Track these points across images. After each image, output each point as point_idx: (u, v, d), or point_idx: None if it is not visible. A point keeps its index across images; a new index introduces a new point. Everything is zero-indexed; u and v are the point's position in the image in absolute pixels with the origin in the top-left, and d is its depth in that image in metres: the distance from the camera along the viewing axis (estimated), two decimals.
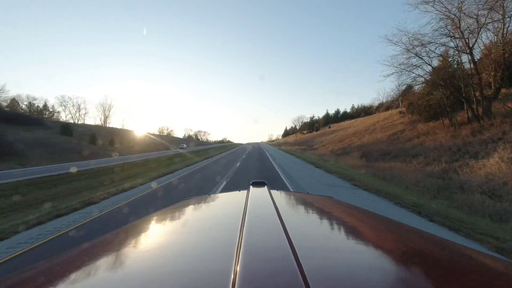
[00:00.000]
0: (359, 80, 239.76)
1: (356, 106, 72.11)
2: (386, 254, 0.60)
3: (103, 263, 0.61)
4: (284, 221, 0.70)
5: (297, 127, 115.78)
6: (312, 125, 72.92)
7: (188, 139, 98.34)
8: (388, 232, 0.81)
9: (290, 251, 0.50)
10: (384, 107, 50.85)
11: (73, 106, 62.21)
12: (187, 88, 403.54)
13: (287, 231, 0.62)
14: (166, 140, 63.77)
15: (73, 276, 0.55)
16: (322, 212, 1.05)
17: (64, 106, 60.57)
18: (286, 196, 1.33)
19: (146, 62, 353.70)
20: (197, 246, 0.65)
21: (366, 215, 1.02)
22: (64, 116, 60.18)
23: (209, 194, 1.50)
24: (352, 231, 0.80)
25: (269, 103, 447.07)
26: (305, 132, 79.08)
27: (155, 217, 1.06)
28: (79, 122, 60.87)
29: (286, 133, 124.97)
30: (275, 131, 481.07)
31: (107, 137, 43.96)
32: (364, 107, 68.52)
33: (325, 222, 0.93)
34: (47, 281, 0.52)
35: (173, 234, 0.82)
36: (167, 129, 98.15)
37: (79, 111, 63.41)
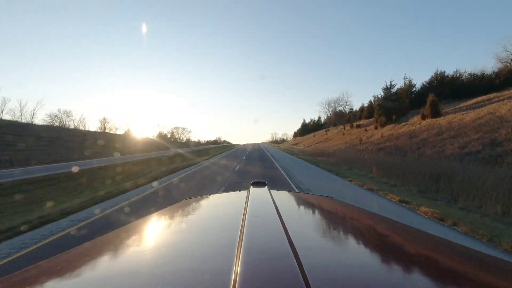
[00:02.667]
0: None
1: (447, 72, 30.08)
2: (386, 254, 0.60)
3: (104, 262, 0.62)
4: (285, 221, 0.70)
5: (322, 119, 74.08)
6: (388, 112, 29.39)
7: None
8: (387, 232, 0.80)
9: (291, 251, 0.50)
10: None
11: None
12: (168, 84, 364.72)
13: (287, 231, 0.62)
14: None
15: (73, 275, 0.55)
16: (322, 212, 1.05)
17: None
18: (286, 196, 1.33)
19: (126, 57, 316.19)
20: (198, 246, 0.65)
21: (365, 215, 1.01)
22: None
23: (210, 195, 1.46)
24: (352, 231, 0.80)
25: (271, 100, 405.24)
26: (358, 124, 37.02)
27: (155, 217, 1.04)
28: None
29: (306, 129, 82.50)
30: (279, 130, 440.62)
31: None
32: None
33: (325, 222, 0.93)
34: (48, 281, 0.51)
35: (174, 234, 0.81)
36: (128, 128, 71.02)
37: None
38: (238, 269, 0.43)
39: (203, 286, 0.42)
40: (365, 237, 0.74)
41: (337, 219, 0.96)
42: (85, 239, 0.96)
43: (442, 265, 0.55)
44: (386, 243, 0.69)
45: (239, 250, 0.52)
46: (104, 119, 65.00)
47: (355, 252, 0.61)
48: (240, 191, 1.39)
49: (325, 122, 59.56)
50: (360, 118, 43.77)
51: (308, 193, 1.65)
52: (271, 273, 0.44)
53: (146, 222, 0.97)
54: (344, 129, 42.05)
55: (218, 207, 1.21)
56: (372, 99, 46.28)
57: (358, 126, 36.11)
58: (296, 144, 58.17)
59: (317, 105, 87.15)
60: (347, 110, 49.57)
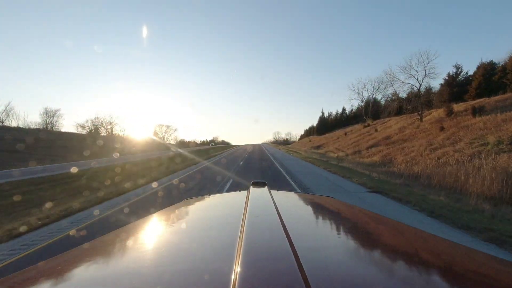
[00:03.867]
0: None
1: None
2: (386, 254, 0.60)
3: (104, 263, 0.62)
4: (284, 221, 0.70)
5: (344, 110, 55.45)
6: None
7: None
8: (387, 232, 0.81)
9: (291, 251, 0.50)
10: None
11: None
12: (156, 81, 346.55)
13: (287, 231, 0.62)
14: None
15: (73, 276, 0.55)
16: (322, 212, 1.05)
17: None
18: (286, 196, 1.32)
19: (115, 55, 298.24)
20: (198, 246, 0.65)
21: (366, 215, 1.01)
22: None
23: (210, 195, 1.46)
24: (352, 231, 0.80)
25: (273, 99, 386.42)
26: (473, 105, 18.13)
27: (155, 217, 1.04)
28: None
29: (325, 125, 63.36)
30: (282, 129, 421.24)
31: None
32: None
33: (325, 222, 0.93)
34: (47, 281, 0.51)
35: (174, 234, 0.81)
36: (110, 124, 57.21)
37: None
38: (238, 269, 0.43)
39: (203, 286, 0.42)
40: (365, 237, 0.74)
41: (337, 219, 0.95)
42: None
43: (442, 265, 0.55)
44: (386, 243, 0.69)
45: (239, 250, 0.52)
46: (47, 111, 46.00)
47: (355, 252, 0.61)
48: (240, 191, 1.38)
49: (365, 112, 40.25)
50: (431, 102, 24.37)
51: (308, 193, 1.64)
52: (271, 273, 0.44)
53: (146, 222, 0.96)
54: (421, 120, 22.79)
55: (218, 207, 1.20)
56: (453, 70, 27.11)
57: (479, 111, 16.87)
58: (317, 147, 38.88)
59: (348, 89, 59.65)
60: (437, 83, 25.64)
